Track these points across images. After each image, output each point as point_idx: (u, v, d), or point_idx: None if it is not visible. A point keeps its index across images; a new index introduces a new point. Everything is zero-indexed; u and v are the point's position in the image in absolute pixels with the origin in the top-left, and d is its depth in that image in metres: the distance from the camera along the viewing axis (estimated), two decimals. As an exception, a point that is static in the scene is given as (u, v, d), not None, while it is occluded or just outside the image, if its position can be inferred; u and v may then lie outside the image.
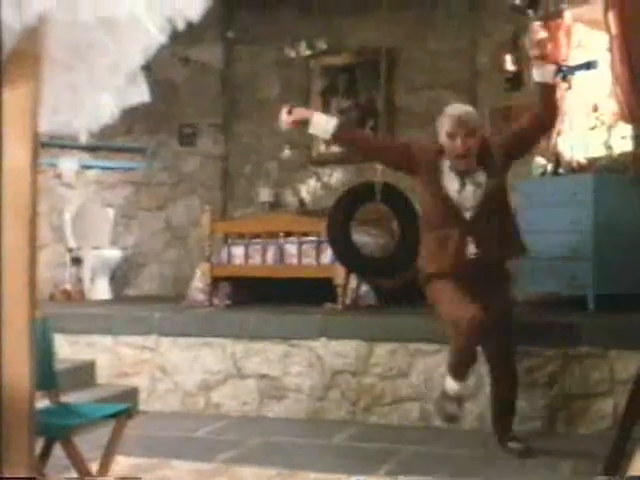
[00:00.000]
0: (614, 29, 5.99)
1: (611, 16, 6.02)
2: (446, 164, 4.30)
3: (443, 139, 4.29)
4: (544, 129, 4.52)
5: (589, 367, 4.81)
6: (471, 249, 4.23)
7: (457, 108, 4.36)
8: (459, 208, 4.25)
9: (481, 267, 4.25)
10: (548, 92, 4.30)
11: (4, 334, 1.08)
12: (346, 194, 6.03)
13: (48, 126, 1.17)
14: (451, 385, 4.13)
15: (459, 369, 4.13)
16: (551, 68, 4.33)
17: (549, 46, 4.54)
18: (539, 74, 4.27)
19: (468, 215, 4.25)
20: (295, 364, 5.43)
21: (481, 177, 4.26)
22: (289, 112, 4.45)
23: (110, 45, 1.16)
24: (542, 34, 4.34)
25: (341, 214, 5.85)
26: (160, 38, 1.21)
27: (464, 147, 4.22)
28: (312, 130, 4.48)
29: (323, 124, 4.45)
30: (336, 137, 4.48)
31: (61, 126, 1.22)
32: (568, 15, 6.51)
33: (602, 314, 5.33)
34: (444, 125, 4.29)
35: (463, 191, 4.26)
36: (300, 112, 4.53)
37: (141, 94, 1.29)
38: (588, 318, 5.22)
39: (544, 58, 4.31)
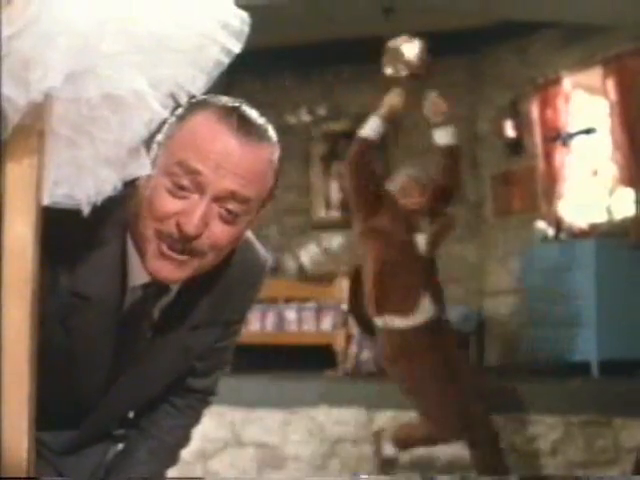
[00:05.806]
0: (613, 95, 6.06)
1: (610, 82, 6.09)
2: None
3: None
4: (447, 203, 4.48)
5: (593, 435, 4.75)
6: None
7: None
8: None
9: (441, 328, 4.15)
10: (452, 156, 4.34)
11: (3, 409, 1.07)
12: None
13: (49, 198, 1.17)
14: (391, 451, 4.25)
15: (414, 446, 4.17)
16: (452, 130, 4.34)
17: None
18: (442, 135, 4.32)
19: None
20: (294, 432, 5.36)
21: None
22: None
23: (113, 121, 1.17)
24: (442, 105, 4.34)
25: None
26: (163, 113, 1.22)
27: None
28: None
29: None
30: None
31: (62, 198, 1.21)
32: (567, 81, 6.59)
33: (606, 381, 5.28)
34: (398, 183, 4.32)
35: None
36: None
37: (142, 167, 1.30)
38: (592, 385, 5.16)
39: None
